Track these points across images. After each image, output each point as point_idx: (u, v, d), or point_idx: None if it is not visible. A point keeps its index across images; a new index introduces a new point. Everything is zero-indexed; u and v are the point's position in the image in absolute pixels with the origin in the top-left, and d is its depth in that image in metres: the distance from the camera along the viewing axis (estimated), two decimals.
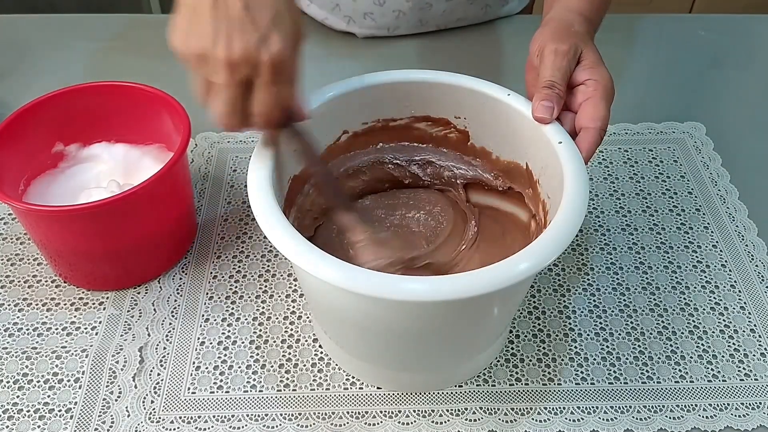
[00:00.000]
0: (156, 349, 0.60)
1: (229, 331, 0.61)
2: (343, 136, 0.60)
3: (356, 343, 0.55)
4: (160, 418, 0.55)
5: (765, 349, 0.60)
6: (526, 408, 0.56)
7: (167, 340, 0.60)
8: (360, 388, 0.57)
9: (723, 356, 0.59)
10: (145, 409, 0.56)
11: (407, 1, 0.86)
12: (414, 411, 0.56)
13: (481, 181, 0.63)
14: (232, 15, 0.43)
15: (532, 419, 0.55)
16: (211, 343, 0.60)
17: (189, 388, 0.57)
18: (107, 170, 0.67)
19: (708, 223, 0.70)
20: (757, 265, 0.66)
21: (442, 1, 0.87)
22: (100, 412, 0.56)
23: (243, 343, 0.60)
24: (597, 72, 0.54)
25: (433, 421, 0.55)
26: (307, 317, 0.62)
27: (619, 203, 0.72)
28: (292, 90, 0.48)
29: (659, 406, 0.56)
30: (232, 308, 0.63)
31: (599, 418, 0.55)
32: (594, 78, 0.54)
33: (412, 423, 0.55)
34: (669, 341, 0.60)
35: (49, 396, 0.57)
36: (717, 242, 0.68)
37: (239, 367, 0.58)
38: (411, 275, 0.44)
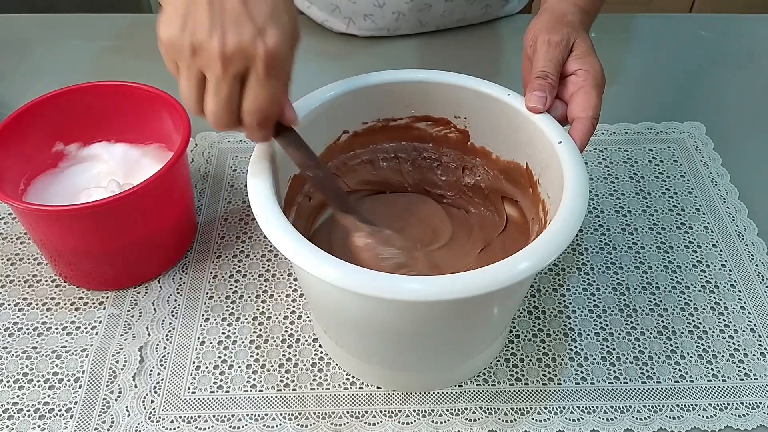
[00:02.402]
0: (156, 348, 0.60)
1: (229, 331, 0.61)
2: (343, 135, 0.60)
3: (356, 343, 0.55)
4: (160, 417, 0.55)
5: (765, 348, 0.60)
6: (526, 408, 0.56)
7: (167, 339, 0.60)
8: (360, 388, 0.57)
9: (723, 356, 0.59)
10: (145, 408, 0.56)
11: (407, 3, 0.86)
12: (414, 411, 0.56)
13: None
14: (229, 8, 0.43)
15: (532, 419, 0.55)
16: (211, 343, 0.60)
17: (189, 388, 0.57)
18: (107, 170, 0.67)
19: (708, 223, 0.70)
20: (757, 265, 0.66)
21: (441, 1, 0.87)
22: (100, 411, 0.56)
23: (243, 342, 0.60)
24: (588, 62, 0.54)
25: (433, 421, 0.55)
26: (307, 317, 0.62)
27: (619, 203, 0.72)
28: (285, 89, 0.48)
29: (659, 405, 0.56)
30: (232, 308, 0.63)
31: (599, 417, 0.55)
32: (585, 68, 0.54)
33: (412, 423, 0.55)
34: (669, 341, 0.60)
35: (49, 395, 0.57)
36: (717, 242, 0.68)
37: (239, 367, 0.58)
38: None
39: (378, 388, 0.57)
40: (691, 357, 0.59)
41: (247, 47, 0.43)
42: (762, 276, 0.65)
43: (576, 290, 0.64)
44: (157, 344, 0.60)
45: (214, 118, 0.46)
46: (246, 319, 0.62)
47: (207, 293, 0.64)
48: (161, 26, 0.44)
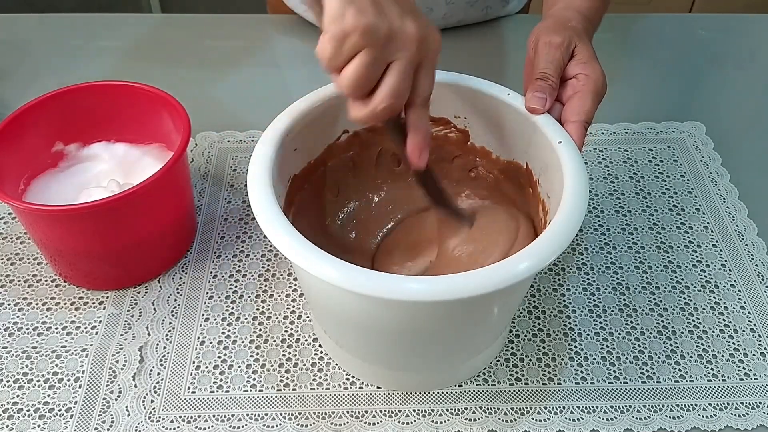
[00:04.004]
0: (156, 348, 0.60)
1: (229, 331, 0.61)
2: (343, 135, 0.60)
3: (356, 343, 0.55)
4: (160, 417, 0.55)
5: (765, 348, 0.60)
6: (526, 407, 0.56)
7: (167, 339, 0.60)
8: (360, 388, 0.57)
9: (723, 356, 0.59)
10: (145, 408, 0.56)
11: None
12: (414, 410, 0.56)
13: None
14: (407, 3, 0.46)
15: (532, 419, 0.55)
16: (211, 343, 0.60)
17: (189, 388, 0.57)
18: (107, 170, 0.67)
19: (708, 223, 0.70)
20: (757, 265, 0.66)
21: (442, 4, 0.87)
22: (100, 411, 0.56)
23: (243, 342, 0.60)
24: (589, 67, 0.55)
25: (432, 421, 0.55)
26: (307, 317, 0.62)
27: (619, 203, 0.72)
28: None
29: (659, 405, 0.56)
30: (232, 308, 0.63)
31: (599, 417, 0.55)
32: (585, 73, 0.54)
33: (411, 422, 0.55)
34: (669, 341, 0.60)
35: (49, 395, 0.57)
36: (717, 242, 0.68)
37: (239, 367, 0.58)
38: None
39: (378, 388, 0.57)
40: (691, 357, 0.59)
41: (431, 36, 0.47)
42: (762, 276, 0.65)
43: (576, 290, 0.64)
44: (157, 344, 0.60)
45: (393, 95, 0.46)
46: (246, 319, 0.62)
47: (207, 293, 0.64)
48: (353, 15, 0.43)
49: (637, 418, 0.55)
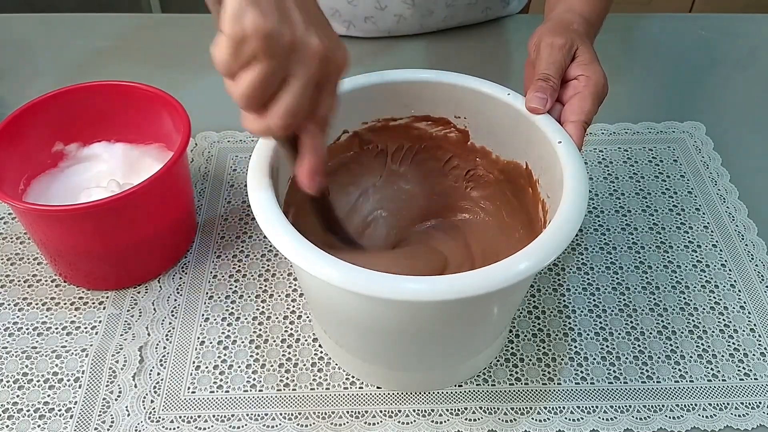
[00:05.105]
0: (156, 348, 0.60)
1: (229, 331, 0.61)
2: (343, 135, 0.60)
3: (356, 343, 0.55)
4: (160, 417, 0.55)
5: (765, 348, 0.60)
6: (526, 407, 0.56)
7: (167, 339, 0.60)
8: (360, 388, 0.57)
9: (723, 356, 0.59)
10: (145, 408, 0.56)
11: (408, 8, 0.86)
12: (414, 410, 0.56)
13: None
14: (313, 13, 0.44)
15: (532, 419, 0.55)
16: (211, 343, 0.60)
17: (189, 388, 0.57)
18: (107, 170, 0.67)
19: (708, 223, 0.70)
20: (757, 265, 0.66)
21: (443, 7, 0.87)
22: (100, 411, 0.56)
23: (243, 342, 0.60)
24: (590, 69, 0.55)
25: (432, 421, 0.55)
26: (307, 317, 0.62)
27: (619, 203, 0.72)
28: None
29: (659, 405, 0.56)
30: (232, 308, 0.63)
31: (599, 417, 0.55)
32: (586, 74, 0.54)
33: (411, 422, 0.55)
34: (669, 341, 0.60)
35: (49, 395, 0.57)
36: (717, 242, 0.68)
37: (239, 367, 0.58)
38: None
39: (378, 388, 0.57)
40: (690, 357, 0.59)
41: (337, 54, 0.44)
42: (762, 276, 0.65)
43: (576, 290, 0.64)
44: (157, 344, 0.60)
45: (289, 114, 0.43)
46: (246, 319, 0.62)
47: (207, 293, 0.64)
48: (255, 17, 0.40)
49: (637, 418, 0.55)
